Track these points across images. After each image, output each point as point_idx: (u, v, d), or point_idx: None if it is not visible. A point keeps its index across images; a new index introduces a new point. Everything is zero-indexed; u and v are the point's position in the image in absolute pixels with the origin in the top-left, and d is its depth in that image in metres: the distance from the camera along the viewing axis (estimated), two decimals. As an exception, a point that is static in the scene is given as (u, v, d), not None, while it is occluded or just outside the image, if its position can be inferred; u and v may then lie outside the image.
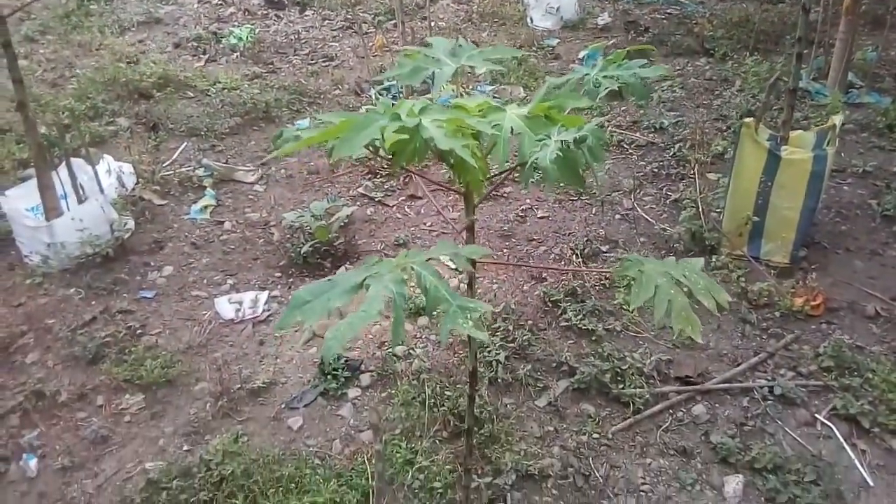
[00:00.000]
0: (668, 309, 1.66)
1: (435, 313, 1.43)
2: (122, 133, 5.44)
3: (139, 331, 3.56)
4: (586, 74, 1.94)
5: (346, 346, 3.41)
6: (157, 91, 6.04)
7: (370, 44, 7.06)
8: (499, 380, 3.15)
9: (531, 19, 7.52)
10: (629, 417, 3.02)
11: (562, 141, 1.59)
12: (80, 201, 4.13)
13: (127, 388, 3.22)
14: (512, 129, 1.59)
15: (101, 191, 4.10)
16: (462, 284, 3.65)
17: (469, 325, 1.34)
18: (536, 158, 1.57)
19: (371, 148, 1.71)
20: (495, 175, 1.92)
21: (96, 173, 4.10)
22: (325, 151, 1.73)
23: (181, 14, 8.08)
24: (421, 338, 3.45)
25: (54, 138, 4.06)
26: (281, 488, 2.64)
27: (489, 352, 3.22)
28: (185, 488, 2.66)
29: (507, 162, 1.57)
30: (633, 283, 1.68)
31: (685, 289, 1.72)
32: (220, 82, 6.26)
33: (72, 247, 3.94)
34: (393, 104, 1.53)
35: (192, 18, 7.96)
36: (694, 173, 4.63)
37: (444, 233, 4.28)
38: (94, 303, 3.76)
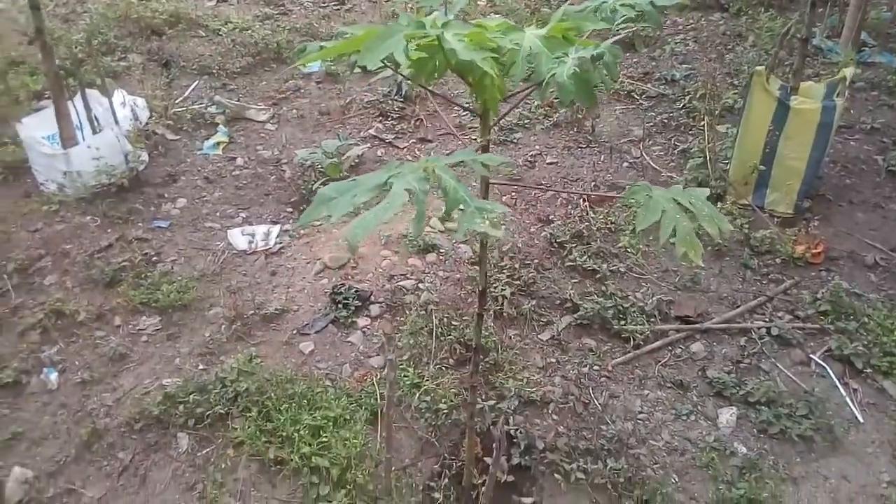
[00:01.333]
0: (672, 232, 1.73)
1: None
2: (135, 69, 5.45)
3: (154, 258, 3.65)
4: (603, 2, 1.98)
5: (358, 277, 3.51)
6: (168, 29, 6.02)
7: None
8: (504, 314, 3.24)
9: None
10: (629, 352, 3.12)
11: (579, 57, 1.64)
12: (94, 132, 4.18)
13: (143, 310, 3.32)
14: (530, 48, 1.64)
15: (116, 122, 4.15)
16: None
17: (486, 225, 1.41)
18: (553, 74, 1.62)
19: (391, 63, 1.75)
20: (512, 95, 1.97)
21: (112, 105, 4.14)
22: (348, 64, 1.77)
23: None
24: (429, 273, 3.54)
25: (71, 68, 4.08)
26: (294, 404, 2.75)
27: (495, 287, 3.31)
28: (201, 402, 2.78)
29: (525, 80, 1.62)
30: (639, 209, 1.74)
31: (690, 215, 1.78)
32: (231, 22, 6.23)
33: (87, 176, 4.00)
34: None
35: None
36: (703, 125, 4.66)
37: (453, 175, 4.33)
38: (109, 230, 3.84)
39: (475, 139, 4.73)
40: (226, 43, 5.91)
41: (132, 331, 3.23)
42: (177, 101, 5.10)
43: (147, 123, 4.71)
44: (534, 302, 3.31)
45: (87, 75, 4.54)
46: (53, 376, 3.00)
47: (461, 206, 1.45)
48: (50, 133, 4.21)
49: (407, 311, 3.24)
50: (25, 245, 3.69)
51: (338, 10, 6.66)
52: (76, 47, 5.38)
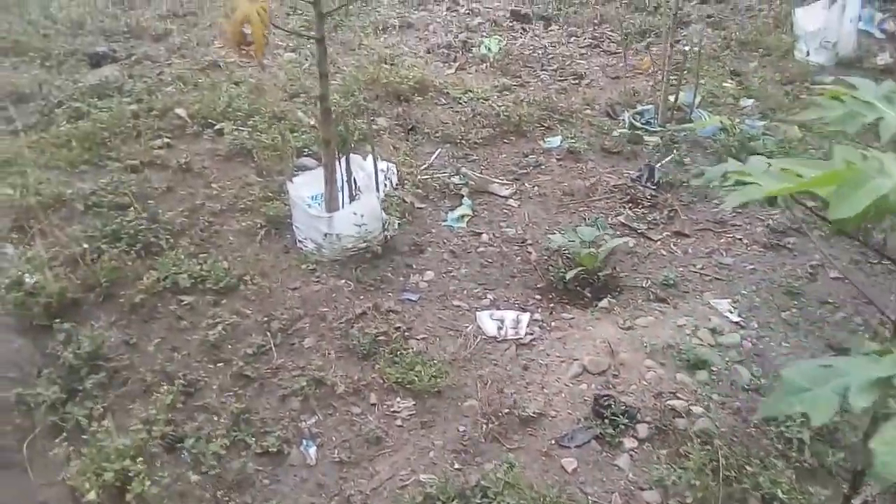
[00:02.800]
0: None
1: None
2: (382, 133, 5.64)
3: (406, 333, 3.59)
4: None
5: (620, 388, 3.20)
6: (413, 95, 6.21)
7: (629, 63, 6.83)
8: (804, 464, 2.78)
9: (806, 52, 6.87)
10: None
11: None
12: (352, 196, 4.29)
13: (398, 390, 3.24)
14: None
15: (378, 188, 4.22)
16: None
17: None
18: None
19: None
20: None
21: (376, 170, 4.22)
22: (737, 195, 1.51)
23: (431, 21, 8.34)
24: (702, 395, 3.15)
25: (345, 133, 4.22)
26: (567, 537, 2.48)
27: (787, 427, 2.86)
28: (464, 512, 2.59)
29: None
30: None
31: None
32: (471, 91, 6.33)
33: (346, 239, 4.08)
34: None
35: (442, 25, 8.17)
36: None
37: (717, 278, 3.94)
38: (362, 297, 3.85)
39: (738, 237, 4.32)
40: (466, 112, 5.98)
41: (387, 412, 3.14)
42: (422, 168, 5.18)
43: (396, 189, 4.79)
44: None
45: (351, 138, 4.71)
46: (312, 451, 2.96)
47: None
48: (314, 193, 4.37)
49: (682, 440, 2.88)
50: (286, 303, 3.78)
51: (575, 84, 6.55)
52: (338, 108, 5.65)
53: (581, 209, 4.68)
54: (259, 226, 4.45)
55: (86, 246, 4.15)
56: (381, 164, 4.82)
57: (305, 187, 4.36)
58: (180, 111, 5.79)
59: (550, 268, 4.02)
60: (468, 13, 8.61)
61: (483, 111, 5.93)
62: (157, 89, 6.18)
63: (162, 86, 6.28)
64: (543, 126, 5.74)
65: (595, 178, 4.99)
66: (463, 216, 4.57)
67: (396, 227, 4.39)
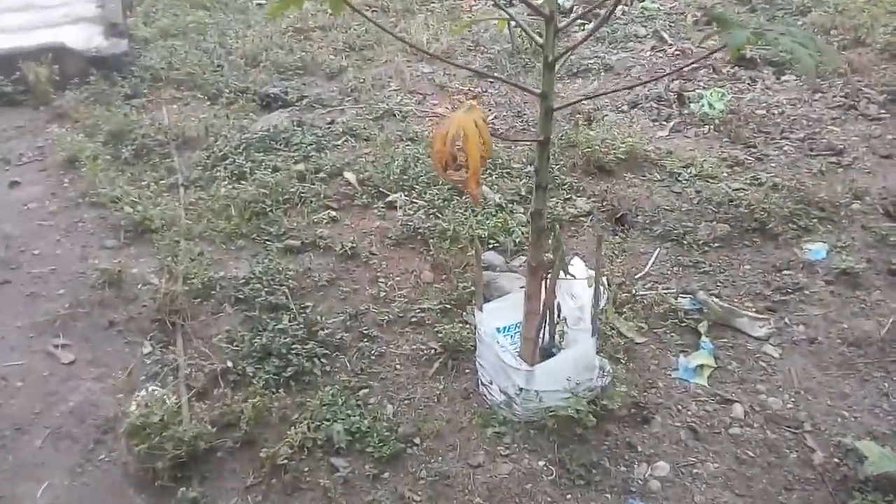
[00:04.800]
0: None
1: None
2: (582, 221, 4.56)
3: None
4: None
5: None
6: (618, 166, 5.08)
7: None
8: None
9: None
10: None
11: None
12: (552, 332, 3.24)
13: None
14: None
15: (595, 328, 3.13)
16: None
17: None
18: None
19: None
20: None
21: (596, 300, 3.12)
22: None
23: (634, 63, 7.12)
24: None
25: (557, 248, 3.15)
26: None
27: None
28: None
29: None
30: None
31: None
32: (692, 165, 5.09)
33: (548, 396, 3.05)
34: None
35: (647, 70, 6.94)
36: None
37: None
38: (569, 496, 2.80)
39: None
40: (689, 195, 4.76)
41: None
42: (636, 277, 4.04)
43: (603, 309, 3.69)
44: None
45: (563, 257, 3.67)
46: None
47: None
48: (507, 324, 3.38)
49: None
50: (466, 490, 2.81)
51: (833, 164, 5.09)
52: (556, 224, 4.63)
53: (877, 373, 3.33)
54: (434, 352, 3.54)
55: (230, 364, 3.44)
56: (581, 269, 3.75)
57: (496, 315, 3.37)
58: (349, 175, 5.05)
59: (852, 488, 2.75)
60: (678, 53, 7.30)
61: (711, 195, 4.68)
62: (326, 144, 5.49)
63: (332, 139, 5.59)
64: (797, 225, 4.38)
65: (891, 318, 3.60)
66: (702, 367, 3.38)
67: (612, 376, 3.29)
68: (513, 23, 2.73)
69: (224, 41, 7.62)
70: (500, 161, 5.16)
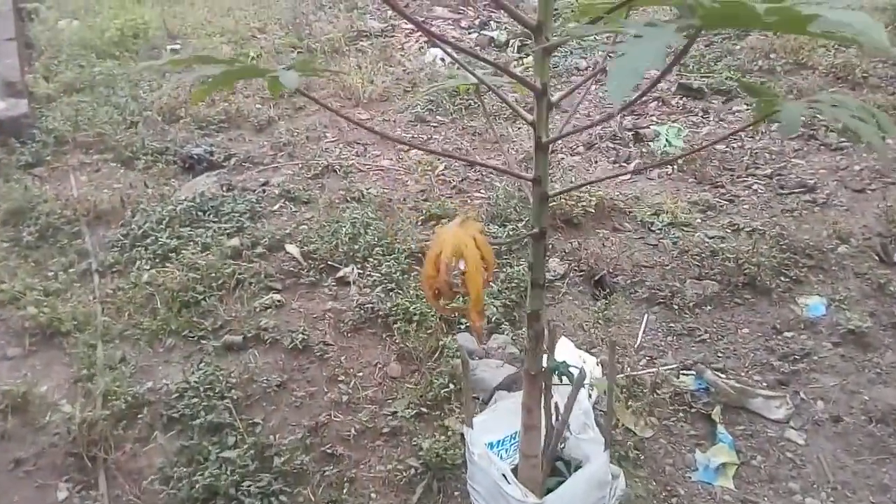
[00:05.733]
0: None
1: None
2: (559, 287, 4.12)
3: None
4: None
5: None
6: (586, 218, 4.68)
7: (868, 165, 5.08)
8: None
9: None
10: None
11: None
12: (549, 440, 2.75)
13: None
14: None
15: (607, 442, 2.67)
16: None
17: None
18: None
19: None
20: None
21: (610, 406, 2.66)
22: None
23: (580, 99, 6.79)
24: None
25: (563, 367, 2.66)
26: None
27: None
28: None
29: None
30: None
31: None
32: (663, 211, 4.74)
33: (558, 531, 2.55)
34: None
35: (594, 105, 6.64)
36: None
37: None
38: None
39: None
40: (667, 247, 4.40)
41: None
42: (627, 351, 3.61)
43: (596, 402, 3.24)
44: None
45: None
46: None
47: None
48: (501, 437, 2.88)
49: None
50: None
51: (809, 202, 4.83)
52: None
53: (911, 456, 2.99)
54: (415, 473, 2.99)
55: (166, 515, 2.79)
56: (572, 351, 3.31)
57: (486, 427, 2.85)
58: (292, 249, 4.47)
59: None
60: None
61: (688, 246, 4.33)
62: (262, 210, 4.89)
63: (268, 203, 4.99)
64: (787, 276, 4.07)
65: (913, 388, 3.29)
66: (725, 466, 2.95)
67: (622, 484, 2.82)
68: (484, 87, 2.26)
69: (137, 94, 6.89)
70: (459, 212, 4.68)
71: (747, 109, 6.36)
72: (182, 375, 3.54)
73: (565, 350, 3.36)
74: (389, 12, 9.02)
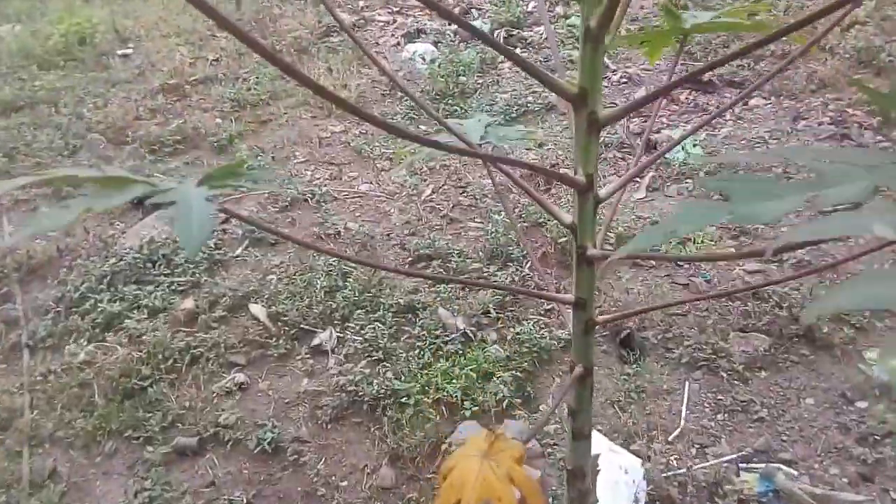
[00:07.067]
0: None
1: None
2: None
3: None
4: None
5: None
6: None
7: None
8: None
9: None
10: None
11: None
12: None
13: None
14: None
15: None
16: None
17: None
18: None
19: None
20: None
21: None
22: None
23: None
24: None
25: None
26: None
27: None
28: None
29: None
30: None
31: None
32: (689, 240, 4.07)
33: None
34: None
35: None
36: None
37: None
38: None
39: None
40: (698, 287, 3.74)
41: None
42: (670, 438, 2.96)
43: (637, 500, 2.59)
44: None
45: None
46: None
47: None
48: None
49: None
50: None
51: (857, 222, 4.17)
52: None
53: None
54: None
55: None
56: (615, 464, 2.65)
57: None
58: (257, 310, 3.75)
59: None
60: (625, 80, 6.33)
61: (727, 286, 3.67)
62: (221, 258, 4.17)
63: (228, 249, 4.27)
64: (849, 324, 3.42)
65: None
66: None
67: None
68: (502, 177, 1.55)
69: (81, 112, 6.09)
70: (453, 251, 3.99)
71: (766, 104, 5.68)
72: (123, 494, 2.85)
73: (599, 450, 2.69)
74: (361, 2, 8.22)
